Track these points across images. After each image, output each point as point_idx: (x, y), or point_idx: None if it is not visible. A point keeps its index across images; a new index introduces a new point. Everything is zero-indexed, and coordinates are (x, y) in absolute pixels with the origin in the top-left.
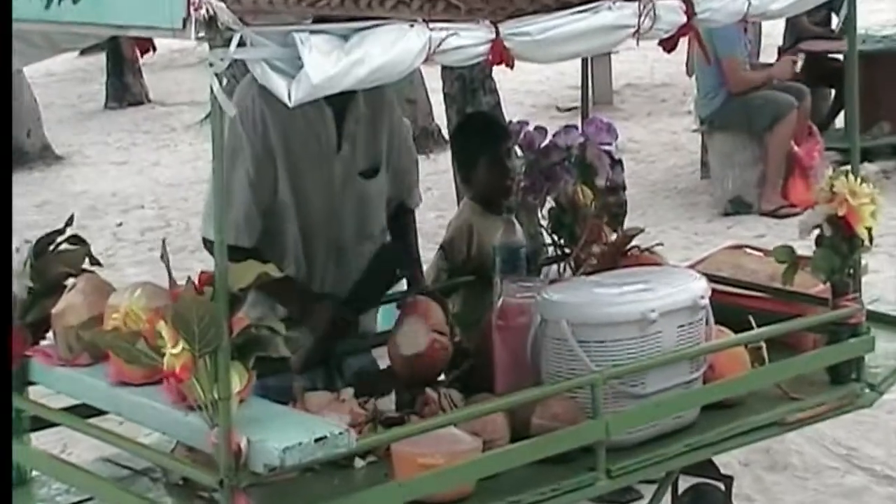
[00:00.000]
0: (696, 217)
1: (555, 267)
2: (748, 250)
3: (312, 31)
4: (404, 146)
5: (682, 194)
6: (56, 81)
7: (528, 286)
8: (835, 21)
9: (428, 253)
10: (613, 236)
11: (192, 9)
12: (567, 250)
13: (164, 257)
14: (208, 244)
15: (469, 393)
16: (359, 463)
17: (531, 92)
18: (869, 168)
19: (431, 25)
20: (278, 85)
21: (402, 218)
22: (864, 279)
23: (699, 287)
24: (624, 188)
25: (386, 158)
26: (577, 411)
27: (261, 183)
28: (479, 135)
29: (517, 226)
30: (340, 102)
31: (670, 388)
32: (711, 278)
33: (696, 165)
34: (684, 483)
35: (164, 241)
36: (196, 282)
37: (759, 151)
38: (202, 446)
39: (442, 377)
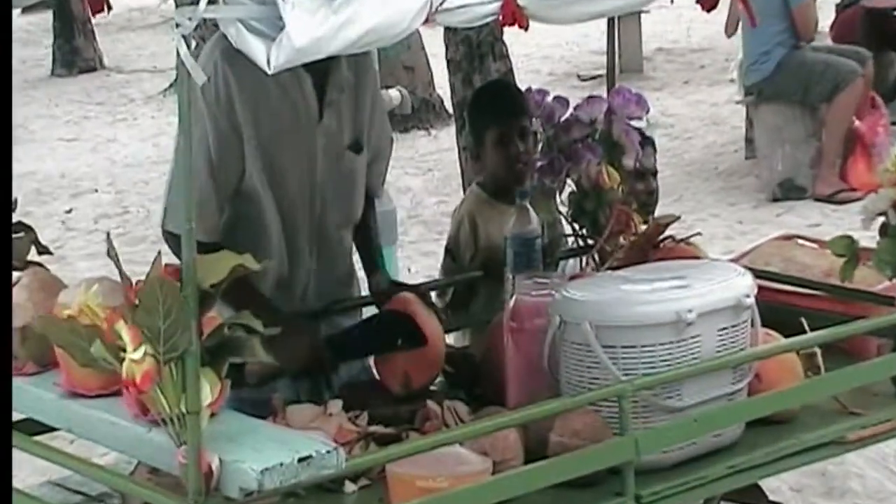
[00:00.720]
0: (740, 203)
1: (575, 260)
2: (801, 241)
3: None
4: (382, 122)
5: (723, 176)
6: None
7: (544, 283)
8: None
9: (427, 246)
10: (644, 225)
11: None
12: (590, 241)
13: (111, 253)
14: (169, 238)
15: (477, 406)
16: (349, 487)
17: (549, 58)
18: None
19: None
20: (256, 49)
21: (364, 207)
22: None
23: (744, 284)
24: (656, 171)
25: (367, 132)
26: (601, 427)
27: (224, 168)
28: (492, 106)
29: (532, 213)
30: (321, 66)
31: (710, 400)
32: (758, 274)
33: (741, 143)
34: None
35: (108, 235)
36: (163, 272)
37: (815, 126)
38: (167, 467)
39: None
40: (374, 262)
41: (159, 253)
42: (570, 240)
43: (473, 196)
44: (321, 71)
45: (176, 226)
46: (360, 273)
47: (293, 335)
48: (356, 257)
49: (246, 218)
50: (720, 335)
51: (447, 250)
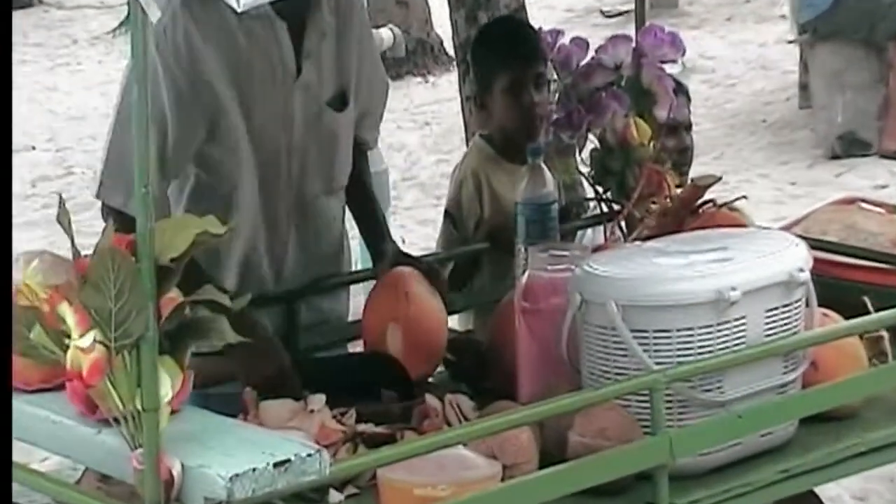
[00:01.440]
0: (793, 160)
1: (599, 229)
2: (864, 205)
3: None
4: (375, 67)
5: (773, 130)
6: None
7: (561, 255)
8: None
9: (424, 212)
10: (679, 188)
11: None
12: (616, 207)
13: (62, 219)
14: (109, 212)
15: (483, 401)
16: (334, 496)
17: None
18: None
19: None
20: None
21: (358, 165)
22: None
23: (797, 256)
24: (691, 124)
25: (355, 83)
26: (629, 425)
27: (180, 137)
28: (502, 47)
29: (547, 174)
30: (298, 10)
31: (757, 393)
32: (814, 244)
33: (793, 90)
34: None
35: (61, 198)
36: (113, 243)
37: (881, 69)
38: (120, 474)
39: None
40: (373, 225)
41: (110, 221)
42: (593, 205)
43: (478, 151)
44: (298, 15)
45: (118, 201)
46: (355, 244)
47: (259, 353)
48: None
49: (210, 188)
50: (769, 317)
51: (447, 214)
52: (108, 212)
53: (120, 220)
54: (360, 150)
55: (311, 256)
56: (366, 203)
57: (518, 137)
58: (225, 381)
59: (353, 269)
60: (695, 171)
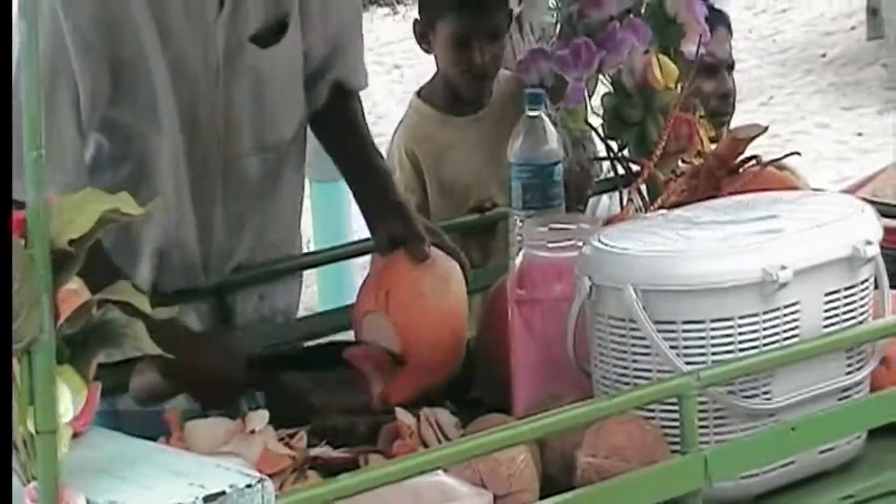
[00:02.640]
0: (859, 106)
1: (613, 196)
2: None
3: None
4: None
5: (834, 67)
6: None
7: (566, 230)
8: None
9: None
10: (714, 143)
11: None
12: (634, 167)
13: None
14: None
15: (469, 415)
16: None
17: None
18: None
19: None
20: None
21: (342, 107)
22: None
23: (863, 226)
24: (733, 63)
25: (301, 9)
26: (653, 442)
27: (95, 95)
28: None
29: (549, 127)
30: None
31: (814, 399)
32: (885, 211)
33: (860, 16)
34: None
35: None
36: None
37: None
38: None
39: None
40: (372, 186)
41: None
42: (605, 165)
43: (412, 118)
44: None
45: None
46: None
47: (198, 347)
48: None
49: (116, 156)
50: (828, 302)
51: None
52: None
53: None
54: (344, 92)
55: (246, 235)
56: (361, 163)
57: (465, 94)
58: (164, 396)
59: (305, 250)
60: (735, 120)
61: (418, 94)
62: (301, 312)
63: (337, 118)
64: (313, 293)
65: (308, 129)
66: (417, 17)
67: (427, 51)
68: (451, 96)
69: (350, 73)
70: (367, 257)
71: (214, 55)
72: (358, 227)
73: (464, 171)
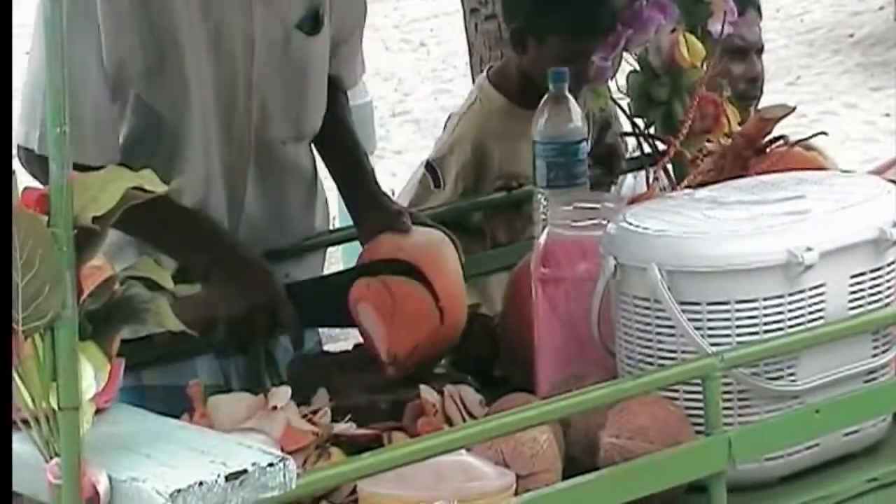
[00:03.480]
0: (888, 86)
1: (639, 175)
2: None
3: None
4: None
5: (862, 47)
6: None
7: (591, 209)
8: None
9: (419, 155)
10: (740, 124)
11: None
12: (660, 145)
13: None
14: (28, 158)
15: (493, 394)
16: None
17: None
18: None
19: None
20: None
21: (331, 101)
22: None
23: (890, 207)
24: (762, 46)
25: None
26: (677, 423)
27: (122, 60)
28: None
29: (572, 104)
30: None
31: (839, 381)
32: None
33: None
34: None
35: None
36: (21, 203)
37: None
38: (32, 490)
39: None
40: (354, 178)
41: (12, 173)
42: (631, 143)
43: (484, 105)
44: None
45: (32, 140)
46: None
47: (248, 276)
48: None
49: (150, 133)
50: (854, 284)
51: (428, 165)
52: (25, 155)
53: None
54: (336, 90)
55: (276, 215)
56: (345, 156)
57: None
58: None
59: (332, 227)
60: (762, 100)
61: (487, 76)
62: None
63: (330, 114)
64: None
65: None
66: (516, 25)
67: (520, 53)
68: (527, 91)
69: (345, 70)
70: None
71: (250, 38)
72: None
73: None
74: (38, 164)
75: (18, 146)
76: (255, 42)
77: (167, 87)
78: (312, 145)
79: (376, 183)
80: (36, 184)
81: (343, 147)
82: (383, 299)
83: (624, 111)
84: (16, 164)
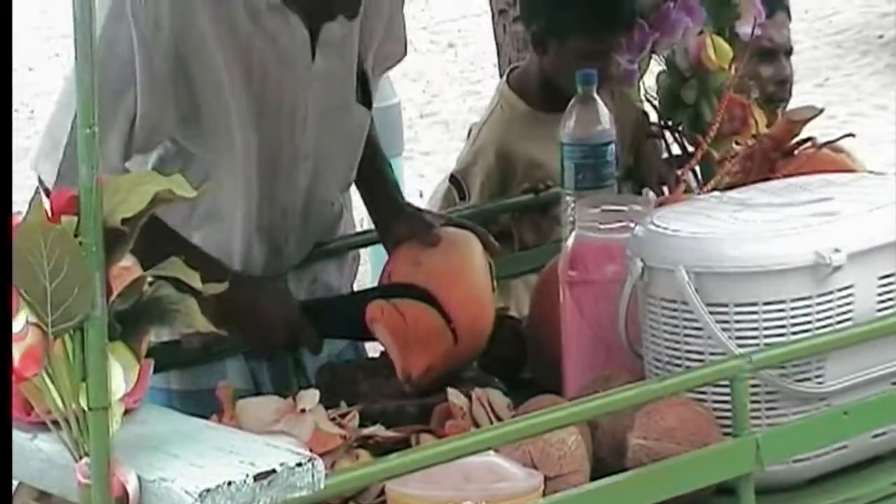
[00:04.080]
0: None
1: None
2: None
3: None
4: (396, 42)
5: (892, 48)
6: None
7: (619, 211)
8: None
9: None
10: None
11: None
12: (688, 146)
13: None
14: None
15: (520, 396)
16: None
17: None
18: None
19: None
20: None
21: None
22: None
23: None
24: (791, 49)
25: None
26: (705, 425)
27: (147, 127)
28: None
29: (600, 106)
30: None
31: (868, 383)
32: None
33: None
34: None
35: None
36: (49, 207)
37: None
38: (61, 490)
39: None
40: (378, 188)
41: (38, 189)
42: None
43: (505, 111)
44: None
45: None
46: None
47: (260, 298)
48: None
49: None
50: (882, 286)
51: (452, 178)
52: (41, 187)
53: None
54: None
55: (309, 239)
56: (368, 167)
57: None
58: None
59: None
60: (790, 101)
61: (507, 81)
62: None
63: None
64: (365, 272)
65: None
66: (536, 27)
67: (541, 55)
68: (548, 95)
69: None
70: None
71: (301, 108)
72: None
73: (550, 165)
74: None
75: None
76: (307, 115)
77: (204, 144)
78: None
79: (400, 193)
80: None
81: (365, 158)
82: (397, 322)
83: (655, 107)
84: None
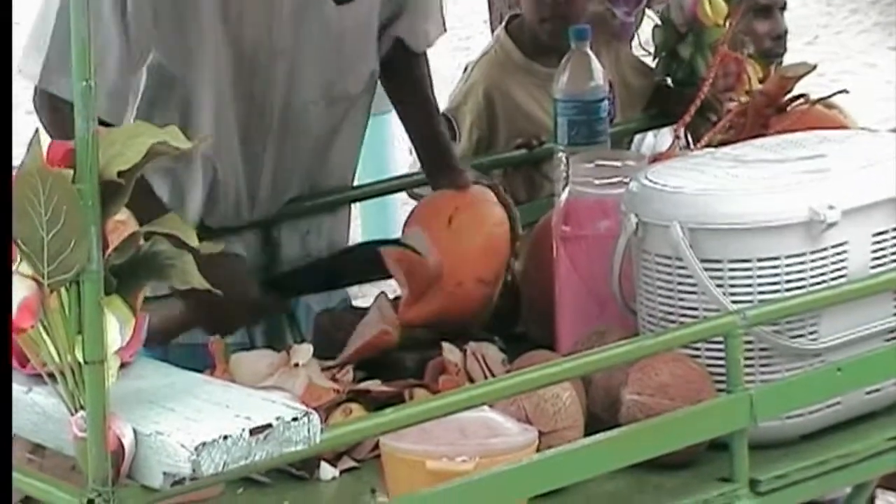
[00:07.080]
0: None
1: (661, 133)
2: None
3: None
4: None
5: (880, 6)
6: None
7: (612, 166)
8: None
9: None
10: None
11: None
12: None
13: None
14: (47, 103)
15: (515, 351)
16: (327, 471)
17: None
18: None
19: None
20: None
21: (403, 65)
22: None
23: None
24: (785, 3)
25: None
26: (699, 381)
27: (142, 17)
28: None
29: (594, 61)
30: None
31: (861, 339)
32: None
33: None
34: None
35: None
36: (44, 155)
37: None
38: (57, 443)
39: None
40: (426, 137)
41: (37, 131)
42: None
43: (499, 54)
44: None
45: (61, 85)
46: None
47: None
48: None
49: (162, 96)
50: (876, 243)
51: (445, 118)
52: (47, 102)
53: (58, 113)
54: (405, 53)
55: (300, 178)
56: (418, 116)
57: (544, 42)
58: (179, 329)
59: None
60: (784, 59)
61: (508, 29)
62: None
63: (398, 74)
64: (356, 227)
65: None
66: None
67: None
68: (534, 43)
69: (410, 32)
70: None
71: (278, 7)
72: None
73: (538, 117)
74: (42, 103)
75: (40, 90)
76: (282, 10)
77: (181, 46)
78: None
79: (447, 142)
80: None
81: (417, 113)
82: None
83: (650, 54)
84: (33, 119)
